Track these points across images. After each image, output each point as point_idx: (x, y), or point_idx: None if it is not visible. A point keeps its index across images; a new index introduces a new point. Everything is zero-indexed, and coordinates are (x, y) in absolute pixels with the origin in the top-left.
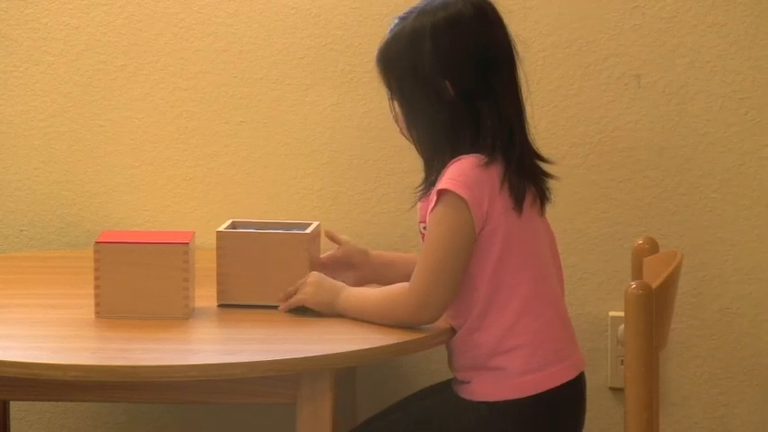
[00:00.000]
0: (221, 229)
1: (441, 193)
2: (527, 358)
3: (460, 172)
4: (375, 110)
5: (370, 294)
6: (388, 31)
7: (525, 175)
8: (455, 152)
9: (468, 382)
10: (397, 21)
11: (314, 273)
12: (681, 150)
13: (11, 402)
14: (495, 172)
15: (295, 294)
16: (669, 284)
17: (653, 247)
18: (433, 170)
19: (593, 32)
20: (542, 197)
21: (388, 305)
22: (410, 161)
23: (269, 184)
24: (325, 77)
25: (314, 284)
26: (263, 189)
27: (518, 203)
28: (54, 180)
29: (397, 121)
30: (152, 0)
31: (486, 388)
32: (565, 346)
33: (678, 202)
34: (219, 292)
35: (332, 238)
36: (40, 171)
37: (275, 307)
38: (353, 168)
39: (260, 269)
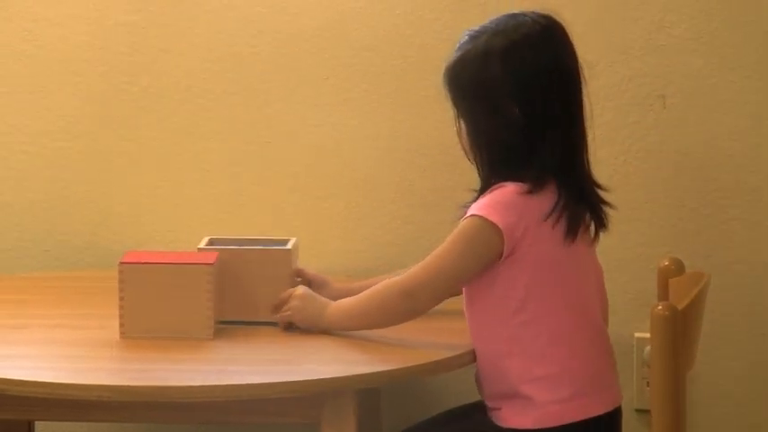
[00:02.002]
0: (201, 246)
1: (476, 216)
2: (554, 388)
3: (498, 199)
4: (399, 130)
5: (356, 297)
6: (456, 47)
7: (583, 201)
8: (512, 174)
9: (498, 409)
10: (466, 38)
11: (301, 286)
12: (706, 171)
13: (35, 422)
14: (541, 201)
15: (283, 307)
16: (696, 305)
17: (679, 267)
18: (488, 189)
19: (618, 53)
20: (598, 224)
21: (376, 293)
22: (433, 182)
23: (294, 204)
24: (350, 98)
25: (300, 298)
26: (287, 209)
27: (571, 231)
28: (79, 200)
29: (460, 137)
30: (176, 21)
31: (514, 415)
32: (600, 380)
33: (704, 223)
34: None
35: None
36: (65, 191)
37: (260, 323)
38: (378, 189)
39: (241, 285)
